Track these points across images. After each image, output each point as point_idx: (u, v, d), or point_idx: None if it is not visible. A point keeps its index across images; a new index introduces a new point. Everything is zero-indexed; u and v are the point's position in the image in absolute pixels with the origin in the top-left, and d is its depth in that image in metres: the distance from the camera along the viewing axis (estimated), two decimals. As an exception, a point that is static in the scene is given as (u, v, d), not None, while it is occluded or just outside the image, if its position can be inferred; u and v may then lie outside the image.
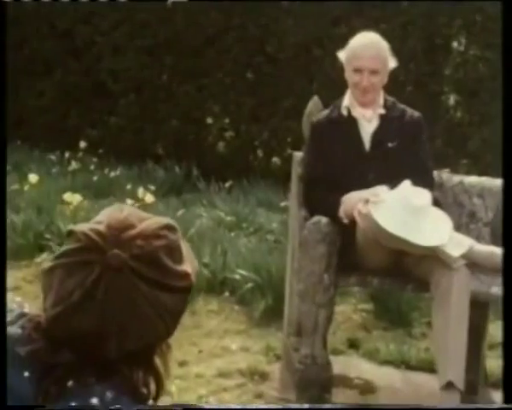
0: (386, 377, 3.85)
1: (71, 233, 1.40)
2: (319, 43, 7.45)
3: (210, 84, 7.75)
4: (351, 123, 3.59)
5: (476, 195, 3.80)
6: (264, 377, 3.73)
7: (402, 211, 3.18)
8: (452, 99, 7.17)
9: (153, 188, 5.92)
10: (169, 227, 1.44)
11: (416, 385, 3.78)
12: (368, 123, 3.59)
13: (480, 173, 7.10)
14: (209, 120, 8.04)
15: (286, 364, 3.76)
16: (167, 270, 1.39)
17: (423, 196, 3.25)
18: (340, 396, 3.60)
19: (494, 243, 3.76)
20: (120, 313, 1.35)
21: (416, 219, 3.17)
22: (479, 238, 3.75)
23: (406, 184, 3.28)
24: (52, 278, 1.39)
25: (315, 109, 3.74)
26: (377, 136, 3.57)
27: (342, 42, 7.52)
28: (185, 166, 7.15)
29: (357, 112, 3.60)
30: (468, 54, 6.95)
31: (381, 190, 3.29)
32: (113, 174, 6.55)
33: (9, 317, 1.44)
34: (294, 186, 3.78)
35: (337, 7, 7.31)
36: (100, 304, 1.34)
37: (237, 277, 4.57)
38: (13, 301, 1.52)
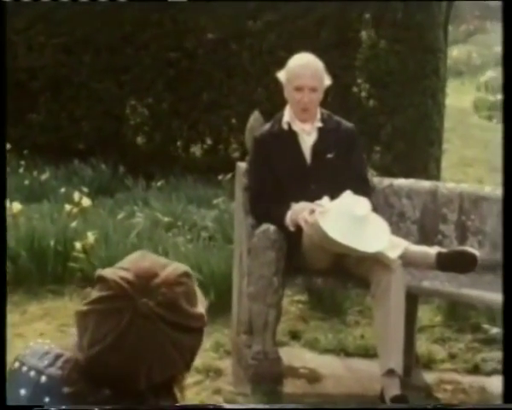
0: (329, 365, 4.19)
1: (100, 279, 1.62)
2: (236, 38, 7.71)
3: (129, 80, 7.90)
4: (291, 137, 3.89)
5: (405, 196, 4.16)
6: (218, 373, 4.01)
7: (346, 220, 3.51)
8: (364, 90, 7.55)
9: (85, 190, 6.07)
10: (187, 274, 1.69)
11: (357, 371, 4.15)
12: (307, 136, 3.90)
13: (393, 159, 7.59)
14: (130, 116, 8.20)
15: (238, 360, 4.05)
16: (186, 313, 1.64)
17: (364, 204, 3.58)
18: (291, 386, 3.93)
19: (422, 238, 4.14)
20: (148, 353, 1.59)
21: (359, 228, 3.51)
22: (408, 235, 4.12)
23: (348, 195, 3.61)
24: (87, 321, 1.61)
25: (256, 124, 4.02)
26: (316, 148, 3.89)
27: (259, 36, 7.80)
28: (111, 163, 7.30)
29: (297, 126, 3.90)
30: (378, 47, 7.33)
31: (326, 201, 3.61)
32: (43, 177, 6.65)
33: (47, 360, 1.64)
34: (239, 195, 4.06)
35: (252, 3, 7.58)
36: (131, 345, 1.58)
37: (181, 277, 4.80)
38: (43, 344, 1.72)
